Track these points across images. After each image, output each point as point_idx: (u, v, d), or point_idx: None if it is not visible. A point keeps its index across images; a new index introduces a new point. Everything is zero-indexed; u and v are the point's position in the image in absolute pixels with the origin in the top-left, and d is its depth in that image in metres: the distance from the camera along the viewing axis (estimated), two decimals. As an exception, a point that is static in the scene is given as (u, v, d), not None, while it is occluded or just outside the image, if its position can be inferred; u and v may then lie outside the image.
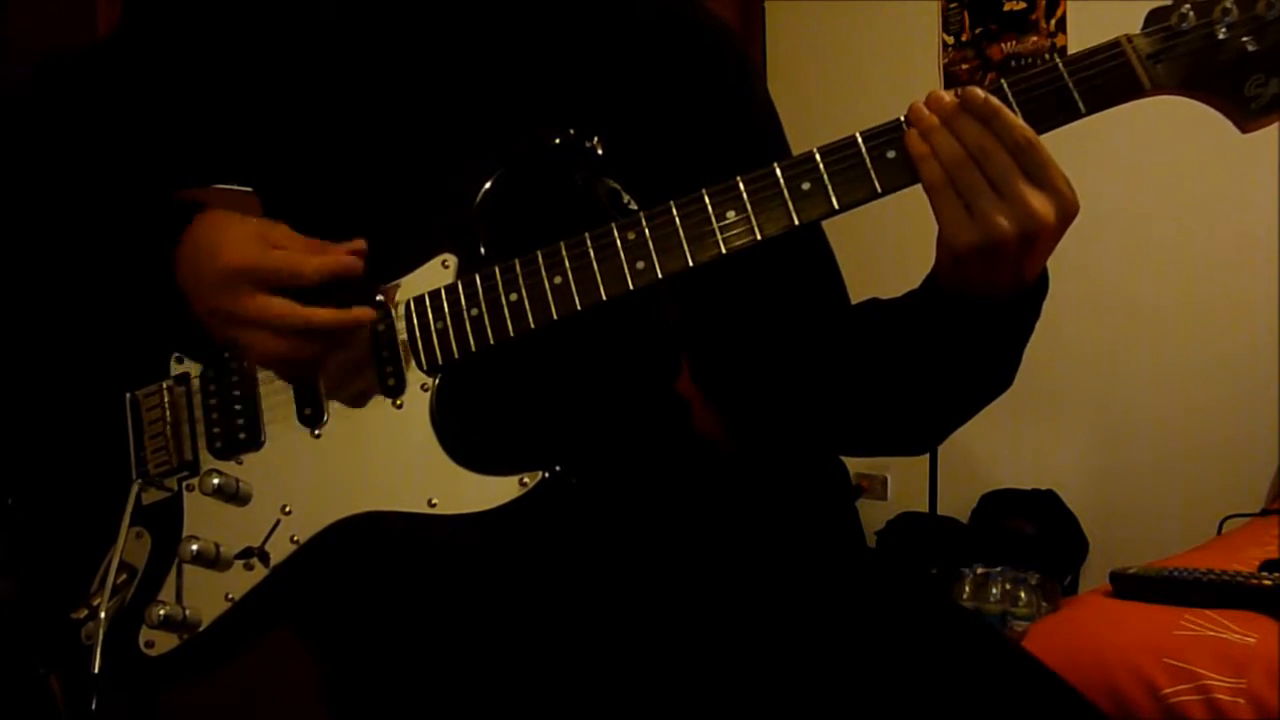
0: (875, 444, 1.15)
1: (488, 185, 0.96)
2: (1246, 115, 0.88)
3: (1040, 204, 0.86)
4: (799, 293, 1.11)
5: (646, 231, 0.91)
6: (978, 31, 3.58)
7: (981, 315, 0.94)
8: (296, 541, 0.97)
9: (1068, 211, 0.88)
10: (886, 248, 2.58)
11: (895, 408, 1.06)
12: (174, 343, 1.04)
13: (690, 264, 0.90)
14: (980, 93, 0.87)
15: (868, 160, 0.89)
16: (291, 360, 0.95)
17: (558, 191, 0.99)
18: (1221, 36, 0.86)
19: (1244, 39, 0.86)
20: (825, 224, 0.98)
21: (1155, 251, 3.26)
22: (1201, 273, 3.17)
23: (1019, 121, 0.86)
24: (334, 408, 0.98)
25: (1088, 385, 3.40)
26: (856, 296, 1.11)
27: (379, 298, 0.97)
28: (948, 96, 0.88)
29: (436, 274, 0.96)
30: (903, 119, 0.90)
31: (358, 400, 0.97)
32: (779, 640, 0.97)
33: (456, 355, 0.95)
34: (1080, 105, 0.87)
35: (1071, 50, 3.29)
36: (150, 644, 0.99)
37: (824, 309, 1.11)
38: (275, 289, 0.93)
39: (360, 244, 0.96)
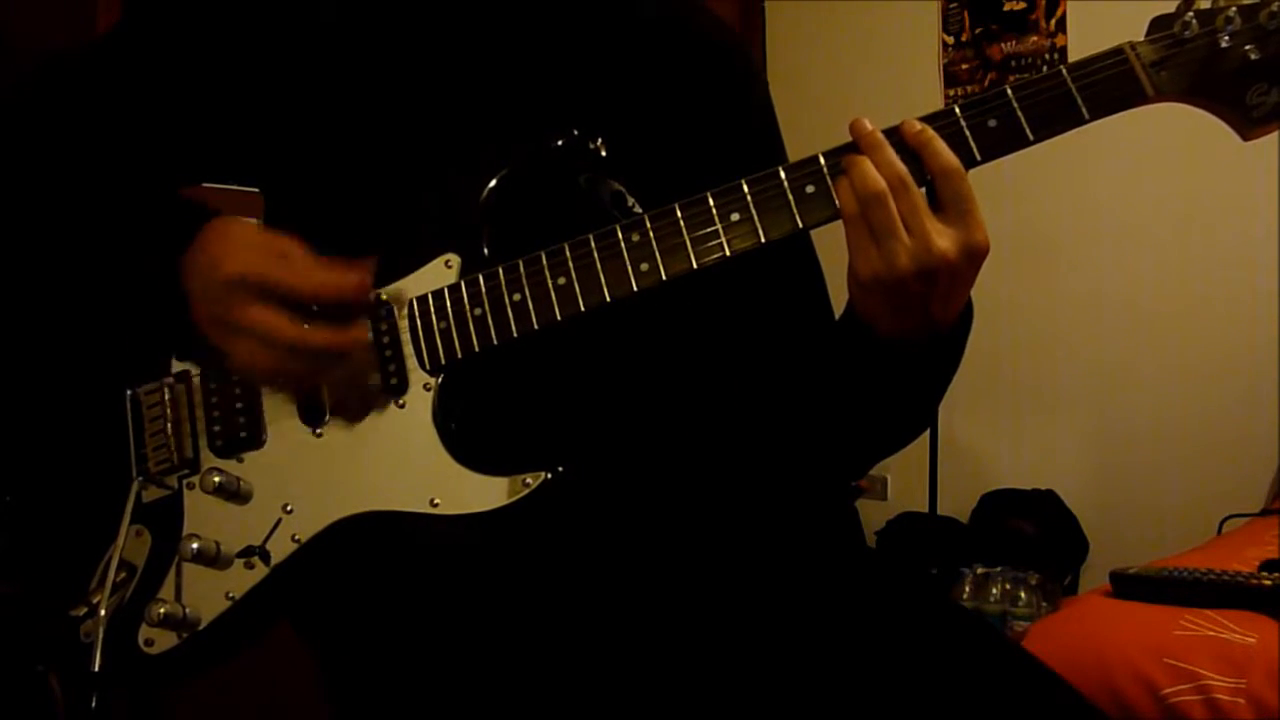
0: (813, 460, 1.16)
1: (491, 185, 0.96)
2: (1248, 123, 0.88)
3: (944, 241, 0.87)
4: (782, 304, 1.12)
5: (650, 233, 0.91)
6: (978, 31, 3.58)
7: (890, 355, 0.95)
8: (298, 540, 0.97)
9: (974, 250, 0.89)
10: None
11: (817, 430, 1.08)
12: (172, 346, 1.04)
13: (694, 266, 0.91)
14: (915, 124, 0.89)
15: None
16: (277, 374, 0.95)
17: (561, 193, 0.99)
18: (1224, 45, 0.86)
19: (1246, 48, 0.86)
20: (821, 236, 0.98)
21: (1156, 252, 3.26)
22: (1202, 274, 3.17)
23: (947, 151, 0.88)
24: (336, 406, 0.98)
25: (1088, 385, 3.41)
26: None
27: (382, 297, 0.97)
28: (869, 126, 0.90)
29: (440, 274, 0.96)
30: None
31: (360, 399, 0.97)
32: (780, 640, 0.97)
33: (459, 355, 0.95)
34: (1084, 112, 0.88)
35: (1071, 51, 3.32)
36: (150, 642, 0.99)
37: (804, 323, 1.12)
38: (276, 301, 0.92)
39: (370, 264, 0.94)
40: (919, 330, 0.93)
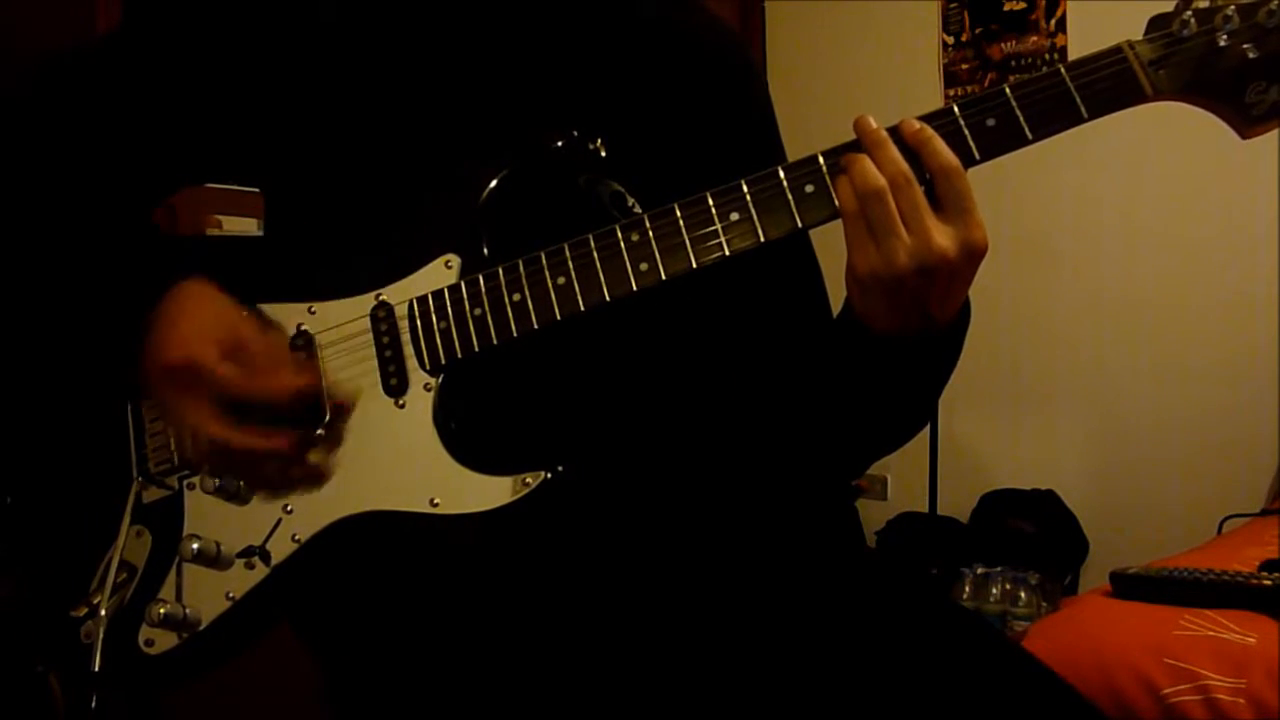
0: (805, 461, 1.16)
1: (491, 186, 0.97)
2: (1247, 122, 0.88)
3: (943, 239, 0.87)
4: (782, 304, 1.12)
5: (650, 233, 0.91)
6: (978, 31, 3.58)
7: (887, 353, 0.95)
8: (298, 540, 0.97)
9: (973, 249, 0.88)
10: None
11: (815, 429, 1.08)
12: (124, 389, 1.05)
13: (694, 265, 0.91)
14: (914, 123, 0.89)
15: None
16: (198, 464, 0.98)
17: (561, 193, 0.99)
18: (1223, 44, 0.86)
19: (1245, 46, 0.86)
20: (820, 236, 0.99)
21: (1155, 251, 3.26)
22: (1202, 273, 3.17)
23: (946, 149, 0.88)
24: (336, 407, 0.98)
25: (1087, 385, 3.41)
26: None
27: (381, 298, 0.97)
28: (873, 124, 0.90)
29: (440, 274, 0.97)
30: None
31: (360, 399, 0.97)
32: (780, 640, 0.97)
33: (459, 355, 0.95)
34: (1083, 110, 0.88)
35: (1071, 51, 3.32)
36: (150, 642, 0.99)
37: (804, 322, 1.12)
38: (214, 396, 0.93)
39: (314, 367, 0.97)
40: (916, 328, 0.93)
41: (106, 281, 1.01)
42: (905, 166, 0.88)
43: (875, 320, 0.93)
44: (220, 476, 0.98)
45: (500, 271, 0.94)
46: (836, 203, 0.90)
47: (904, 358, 0.96)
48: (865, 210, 0.88)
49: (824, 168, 0.90)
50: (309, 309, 0.99)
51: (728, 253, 0.90)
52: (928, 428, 3.07)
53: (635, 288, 0.91)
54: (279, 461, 0.95)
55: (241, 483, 0.98)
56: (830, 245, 1.01)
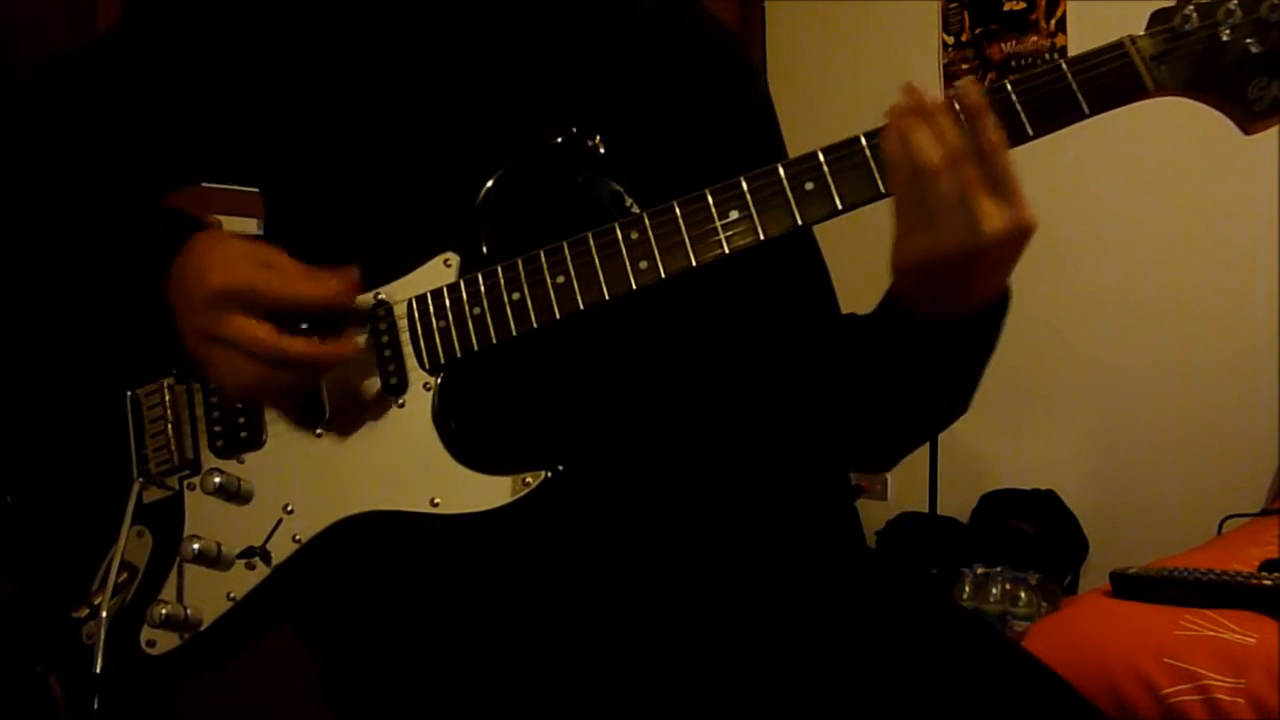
0: (834, 455, 1.15)
1: (490, 184, 0.97)
2: (1249, 117, 0.88)
3: (994, 218, 0.84)
4: (786, 300, 1.12)
5: (649, 231, 0.91)
6: (978, 31, 3.58)
7: (930, 337, 0.94)
8: (298, 540, 0.97)
9: (1022, 228, 0.86)
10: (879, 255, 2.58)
11: (848, 423, 1.08)
12: (158, 358, 1.04)
13: (693, 264, 0.90)
14: (971, 90, 0.86)
15: (871, 160, 0.89)
16: (262, 385, 0.94)
17: (560, 191, 0.99)
18: (1225, 38, 0.86)
19: (1247, 41, 0.86)
20: (821, 231, 0.98)
21: (1156, 251, 3.26)
22: (1202, 273, 3.17)
23: (995, 125, 0.86)
24: (336, 406, 0.98)
25: (1088, 385, 3.40)
26: (854, 305, 1.11)
27: (380, 297, 0.97)
28: (929, 95, 0.87)
29: (439, 273, 0.96)
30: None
31: (360, 399, 0.97)
32: (779, 640, 0.97)
33: (459, 354, 0.95)
34: (1084, 106, 0.87)
35: (1071, 50, 3.31)
36: (151, 643, 0.99)
37: (811, 318, 1.11)
38: (261, 313, 0.91)
39: (355, 271, 0.95)
40: (958, 307, 0.91)
41: (120, 251, 1.00)
42: (961, 140, 0.85)
43: (920, 304, 0.92)
44: (281, 399, 0.97)
45: (499, 270, 0.94)
46: (880, 186, 0.87)
47: (949, 341, 0.94)
48: (918, 187, 0.85)
49: (824, 165, 0.90)
50: (308, 308, 0.99)
51: (727, 250, 0.90)
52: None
53: (635, 286, 0.91)
54: (343, 364, 0.94)
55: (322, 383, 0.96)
56: (832, 244, 1.01)
